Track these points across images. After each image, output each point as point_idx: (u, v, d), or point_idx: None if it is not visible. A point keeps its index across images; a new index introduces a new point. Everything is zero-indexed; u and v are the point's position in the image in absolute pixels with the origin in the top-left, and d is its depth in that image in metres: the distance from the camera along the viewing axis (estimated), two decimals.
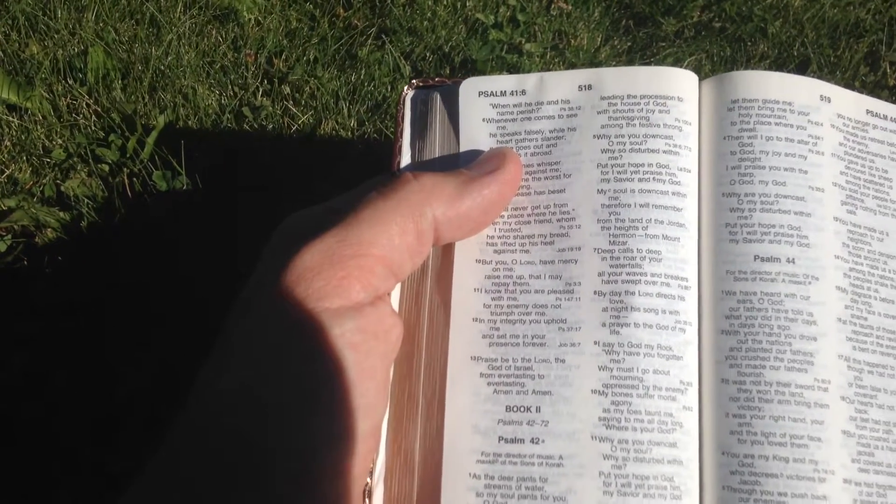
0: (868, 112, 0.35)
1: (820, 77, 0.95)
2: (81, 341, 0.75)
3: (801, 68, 0.97)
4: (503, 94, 0.35)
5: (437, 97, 0.36)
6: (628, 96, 0.34)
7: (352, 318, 0.27)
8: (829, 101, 0.34)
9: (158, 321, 0.75)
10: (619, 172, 0.33)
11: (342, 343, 0.26)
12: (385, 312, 0.28)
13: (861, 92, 0.97)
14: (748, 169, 0.32)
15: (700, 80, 0.34)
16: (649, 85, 0.33)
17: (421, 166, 0.35)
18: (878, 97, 0.93)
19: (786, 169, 0.32)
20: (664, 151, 0.33)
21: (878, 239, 0.33)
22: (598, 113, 0.34)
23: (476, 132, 0.35)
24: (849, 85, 0.95)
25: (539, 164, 0.34)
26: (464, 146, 0.35)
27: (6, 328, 0.75)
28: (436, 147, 0.35)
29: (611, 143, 0.33)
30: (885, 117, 0.35)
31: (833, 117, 0.34)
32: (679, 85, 0.34)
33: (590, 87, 0.34)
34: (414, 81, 0.37)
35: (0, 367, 0.73)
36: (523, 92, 0.35)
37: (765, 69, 0.97)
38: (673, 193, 0.32)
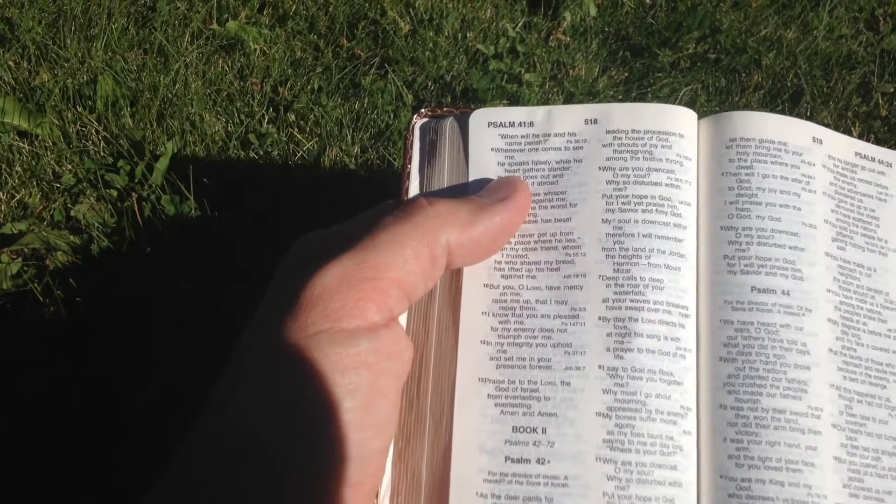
0: (857, 154, 0.36)
1: (813, 107, 0.97)
2: (89, 361, 0.76)
3: (795, 99, 0.99)
4: (512, 125, 0.36)
5: (447, 126, 0.37)
6: (633, 131, 0.35)
7: (368, 338, 0.28)
8: (821, 143, 0.35)
9: (165, 342, 0.76)
10: (623, 203, 0.34)
11: (357, 363, 0.27)
12: (399, 334, 0.29)
13: (854, 122, 0.99)
14: (745, 204, 0.34)
15: (698, 116, 0.36)
16: (653, 121, 0.35)
17: (430, 193, 0.36)
18: (871, 127, 0.95)
19: (781, 205, 0.34)
20: (666, 185, 0.34)
21: (867, 274, 0.34)
22: (604, 146, 0.35)
23: (485, 161, 0.36)
24: (842, 115, 0.97)
25: (546, 194, 0.35)
26: (473, 174, 0.36)
27: (16, 348, 0.77)
28: (444, 174, 0.36)
29: (615, 175, 0.34)
30: (873, 159, 0.36)
31: (825, 158, 0.35)
32: (680, 122, 0.35)
33: (595, 121, 0.35)
34: (423, 111, 0.38)
35: (9, 386, 0.74)
36: (531, 124, 0.36)
37: (759, 99, 0.99)
38: (674, 225, 0.33)
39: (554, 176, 0.35)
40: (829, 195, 0.35)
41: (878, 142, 0.94)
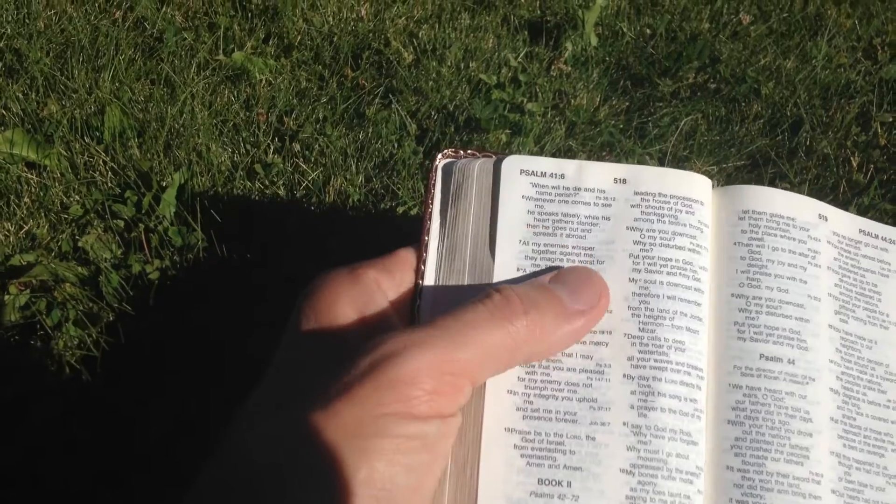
0: (861, 231, 0.38)
1: (813, 136, 0.99)
2: (99, 393, 0.76)
3: (795, 128, 1.00)
4: (543, 174, 0.37)
5: (476, 168, 0.38)
6: (659, 194, 0.36)
7: (437, 425, 0.28)
8: (827, 220, 0.37)
9: (174, 372, 0.77)
10: (649, 264, 0.35)
11: (420, 446, 0.28)
12: (460, 417, 0.30)
13: (853, 151, 1.00)
14: (756, 274, 0.35)
15: (713, 184, 0.37)
16: (678, 186, 0.36)
17: (454, 236, 0.36)
18: (871, 157, 0.97)
19: (788, 278, 0.35)
20: (689, 249, 0.35)
21: (868, 347, 0.36)
22: (632, 206, 0.36)
23: (514, 208, 0.37)
24: (841, 144, 0.98)
25: (574, 247, 0.36)
26: (502, 220, 0.36)
27: (25, 380, 0.77)
28: (470, 217, 0.37)
29: (642, 236, 0.35)
30: (877, 236, 0.38)
31: (829, 234, 0.37)
32: (700, 189, 0.37)
33: (625, 181, 0.37)
34: (446, 150, 0.38)
35: (20, 417, 0.75)
36: (562, 176, 0.37)
37: (759, 129, 1.00)
38: (695, 289, 0.35)
39: (582, 230, 0.36)
40: (832, 269, 0.36)
41: (877, 171, 0.95)
